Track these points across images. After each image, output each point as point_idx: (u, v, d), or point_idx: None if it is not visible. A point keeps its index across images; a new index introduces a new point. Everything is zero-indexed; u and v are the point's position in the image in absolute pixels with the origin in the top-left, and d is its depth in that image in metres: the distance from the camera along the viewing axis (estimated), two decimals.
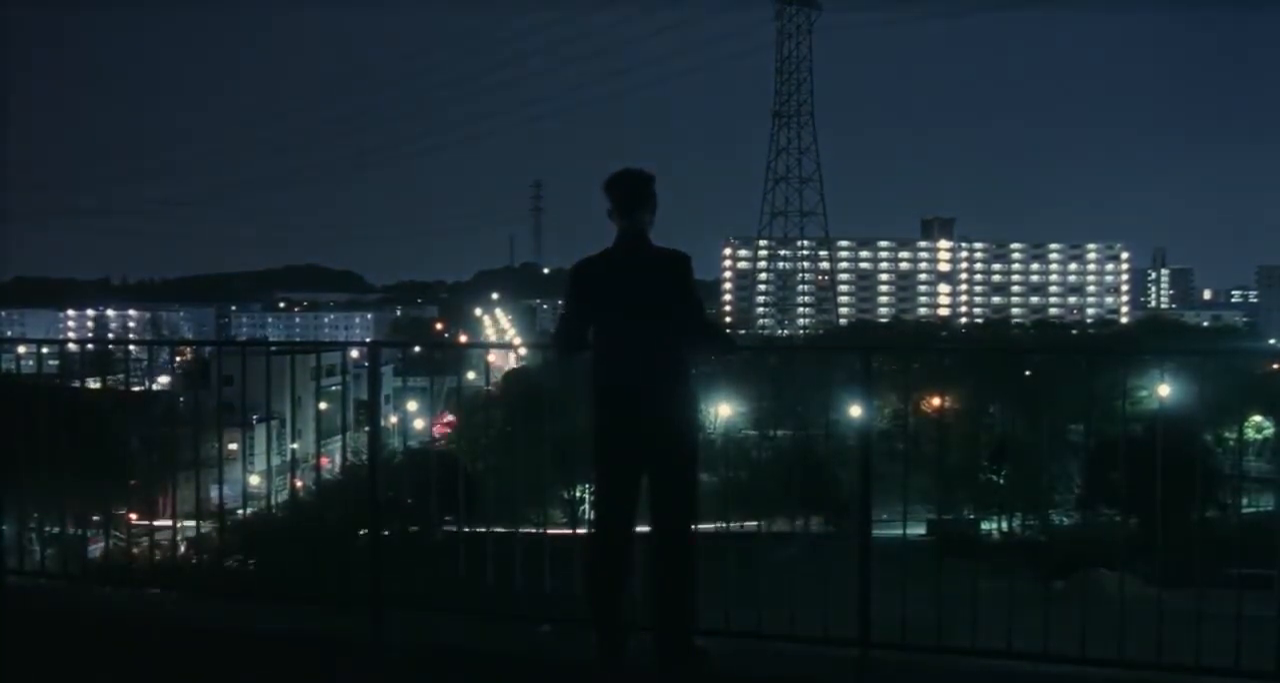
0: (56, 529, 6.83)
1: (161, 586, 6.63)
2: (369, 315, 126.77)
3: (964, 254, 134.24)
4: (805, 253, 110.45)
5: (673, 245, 4.64)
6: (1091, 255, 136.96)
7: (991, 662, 4.86)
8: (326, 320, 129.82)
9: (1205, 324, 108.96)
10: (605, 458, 4.60)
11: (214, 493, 6.97)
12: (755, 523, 6.16)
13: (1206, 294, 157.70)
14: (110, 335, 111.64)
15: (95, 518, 7.81)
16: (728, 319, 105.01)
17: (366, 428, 6.31)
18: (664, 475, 4.58)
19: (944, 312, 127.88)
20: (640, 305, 4.49)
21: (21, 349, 8.39)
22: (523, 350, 54.68)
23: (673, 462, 4.57)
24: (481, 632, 5.29)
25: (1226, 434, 25.21)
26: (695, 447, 4.63)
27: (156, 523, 7.55)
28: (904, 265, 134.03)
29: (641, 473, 4.58)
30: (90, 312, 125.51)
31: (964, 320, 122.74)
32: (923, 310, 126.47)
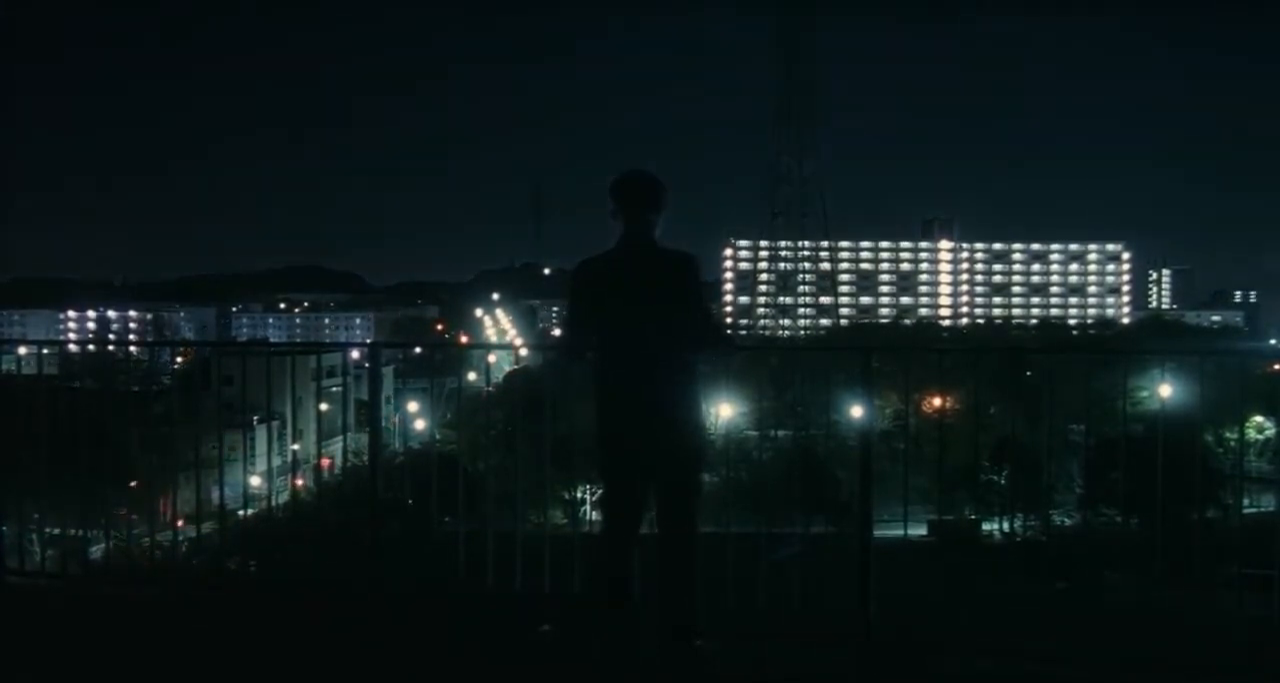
0: (56, 529, 6.83)
1: (162, 586, 6.63)
2: (369, 316, 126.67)
3: (964, 255, 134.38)
4: (805, 253, 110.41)
5: (673, 247, 4.63)
6: (1092, 256, 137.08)
7: (992, 662, 4.86)
8: (327, 321, 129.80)
9: (1205, 325, 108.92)
10: (610, 460, 4.60)
11: (214, 494, 6.98)
12: (756, 526, 6.16)
13: (1208, 295, 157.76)
14: (111, 336, 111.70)
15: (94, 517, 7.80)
16: (728, 320, 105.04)
17: (368, 429, 6.32)
18: (669, 478, 4.58)
19: (945, 312, 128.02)
20: (644, 306, 4.47)
21: (22, 350, 8.39)
22: (524, 351, 54.64)
23: (678, 465, 4.57)
24: (481, 631, 5.29)
25: (1228, 434, 25.17)
26: (701, 449, 4.62)
27: (157, 525, 7.56)
28: (904, 265, 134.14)
29: (647, 475, 4.58)
30: (90, 312, 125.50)
31: (965, 321, 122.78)
32: (923, 311, 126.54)
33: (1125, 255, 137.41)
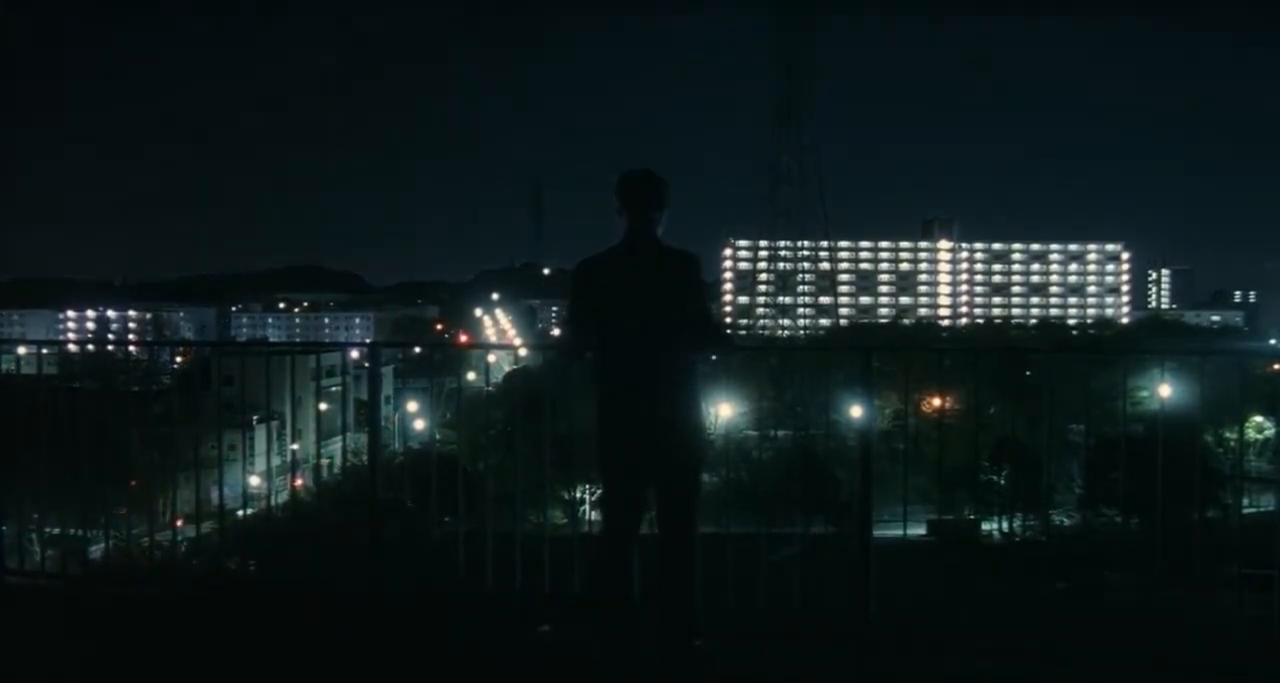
0: (56, 529, 6.82)
1: (162, 586, 6.63)
2: (369, 316, 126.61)
3: (964, 255, 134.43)
4: (805, 253, 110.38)
5: (674, 246, 4.62)
6: (1092, 256, 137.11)
7: (992, 662, 4.86)
8: (327, 321, 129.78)
9: (1205, 325, 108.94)
10: (610, 461, 4.59)
11: (214, 494, 6.97)
12: (756, 526, 6.17)
13: (1208, 295, 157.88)
14: (111, 336, 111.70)
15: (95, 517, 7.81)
16: (728, 320, 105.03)
17: (367, 429, 6.31)
18: (669, 478, 4.58)
19: (944, 312, 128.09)
20: (645, 306, 4.47)
21: (22, 350, 8.39)
22: (523, 351, 54.69)
23: (678, 465, 4.56)
24: (482, 631, 5.29)
25: (1228, 434, 25.18)
26: (701, 450, 4.62)
27: (157, 525, 7.55)
28: (904, 265, 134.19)
29: (647, 475, 4.58)
30: (90, 312, 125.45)
31: (964, 321, 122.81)
32: (923, 311, 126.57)
33: (1125, 255, 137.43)
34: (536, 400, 6.15)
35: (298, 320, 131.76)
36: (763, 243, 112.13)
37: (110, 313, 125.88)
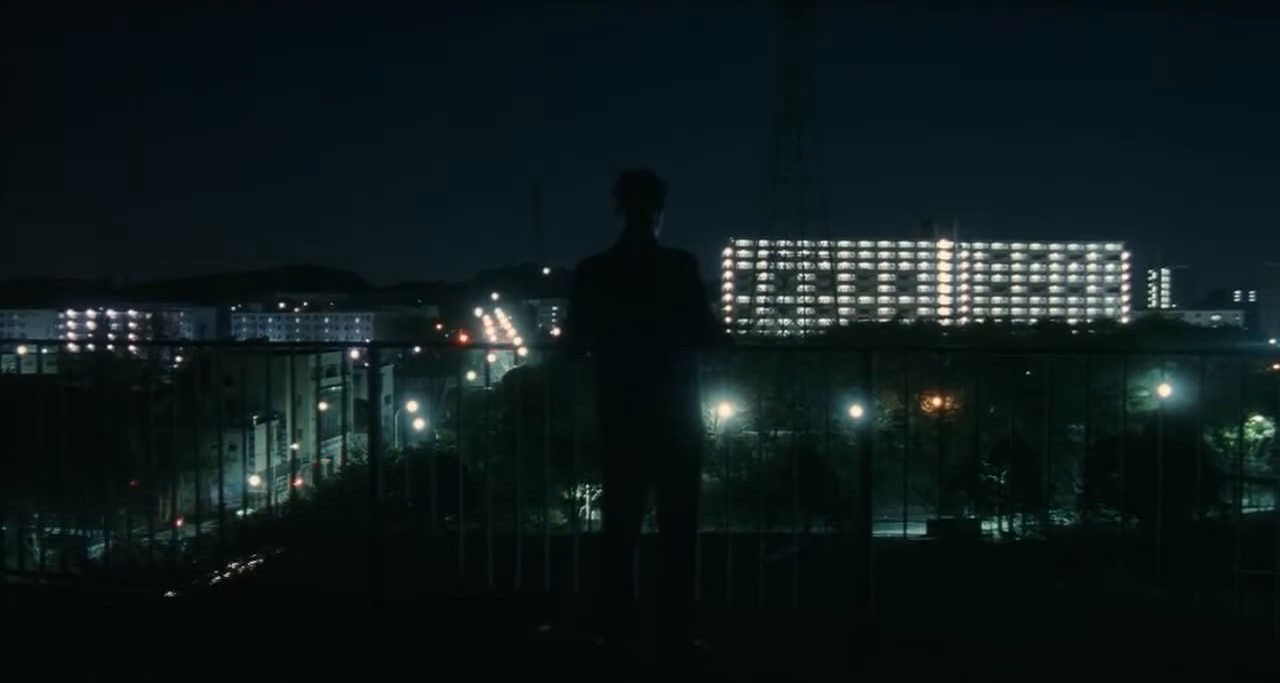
0: (56, 529, 6.82)
1: (162, 586, 6.63)
2: (369, 316, 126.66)
3: (964, 254, 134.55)
4: (805, 253, 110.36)
5: (673, 246, 4.63)
6: (1092, 256, 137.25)
7: (992, 662, 4.86)
8: (327, 321, 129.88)
9: (1205, 325, 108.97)
10: (610, 461, 4.60)
11: (214, 494, 6.97)
12: (756, 526, 6.17)
13: (1207, 295, 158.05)
14: (111, 336, 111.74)
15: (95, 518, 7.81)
16: (728, 319, 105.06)
17: (367, 428, 6.30)
18: (668, 478, 4.58)
19: (944, 312, 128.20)
20: (644, 306, 4.47)
21: (22, 350, 8.38)
22: (523, 351, 54.70)
23: (677, 465, 4.57)
24: (482, 631, 5.29)
25: (1227, 435, 25.18)
26: (700, 449, 4.62)
27: (157, 525, 7.54)
28: (904, 265, 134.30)
29: (646, 475, 4.58)
30: (90, 312, 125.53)
31: (964, 321, 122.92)
32: (923, 311, 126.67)
33: (1125, 255, 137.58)
34: (536, 400, 6.15)
35: (298, 320, 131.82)
36: (763, 243, 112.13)
37: (110, 313, 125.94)
